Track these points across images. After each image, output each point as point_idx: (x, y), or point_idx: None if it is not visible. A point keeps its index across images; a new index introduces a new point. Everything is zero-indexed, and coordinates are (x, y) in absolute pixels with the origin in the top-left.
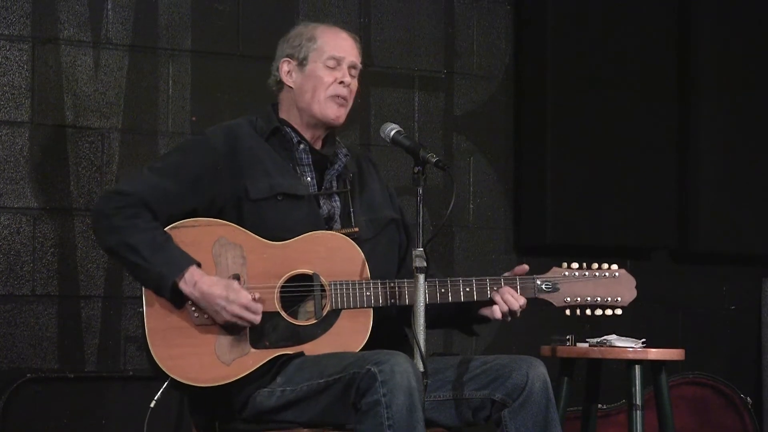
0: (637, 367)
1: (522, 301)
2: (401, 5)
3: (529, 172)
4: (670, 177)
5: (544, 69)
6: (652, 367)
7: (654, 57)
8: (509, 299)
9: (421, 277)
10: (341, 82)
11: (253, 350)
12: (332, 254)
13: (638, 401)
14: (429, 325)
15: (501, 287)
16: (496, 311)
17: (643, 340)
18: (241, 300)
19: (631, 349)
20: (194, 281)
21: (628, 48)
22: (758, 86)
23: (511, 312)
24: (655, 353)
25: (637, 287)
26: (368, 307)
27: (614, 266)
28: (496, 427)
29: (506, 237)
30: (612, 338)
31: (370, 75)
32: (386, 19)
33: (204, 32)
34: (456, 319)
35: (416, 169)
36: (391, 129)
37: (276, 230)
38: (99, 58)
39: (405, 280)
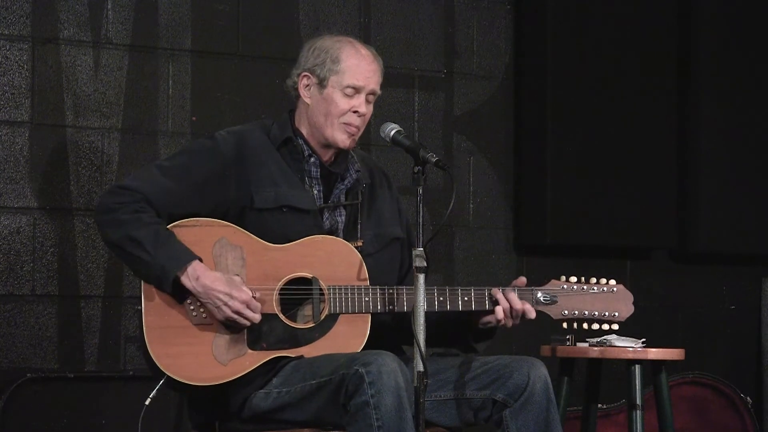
0: (637, 367)
1: (527, 306)
2: (401, 5)
3: (529, 172)
4: (670, 177)
5: (544, 69)
6: (652, 367)
7: (654, 56)
8: (512, 297)
9: (421, 277)
10: (356, 111)
11: (250, 351)
12: (332, 258)
13: (638, 401)
14: (428, 342)
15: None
16: (499, 311)
17: (643, 340)
18: (243, 297)
19: (631, 349)
20: (197, 275)
21: (628, 48)
22: (758, 86)
23: (514, 311)
24: (655, 353)
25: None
26: (366, 312)
27: (612, 281)
28: (497, 428)
29: (506, 237)
30: (612, 338)
31: None
32: (386, 19)
33: (204, 32)
34: (457, 334)
35: (416, 169)
36: (391, 129)
37: (276, 240)
38: (99, 58)
39: (404, 286)
